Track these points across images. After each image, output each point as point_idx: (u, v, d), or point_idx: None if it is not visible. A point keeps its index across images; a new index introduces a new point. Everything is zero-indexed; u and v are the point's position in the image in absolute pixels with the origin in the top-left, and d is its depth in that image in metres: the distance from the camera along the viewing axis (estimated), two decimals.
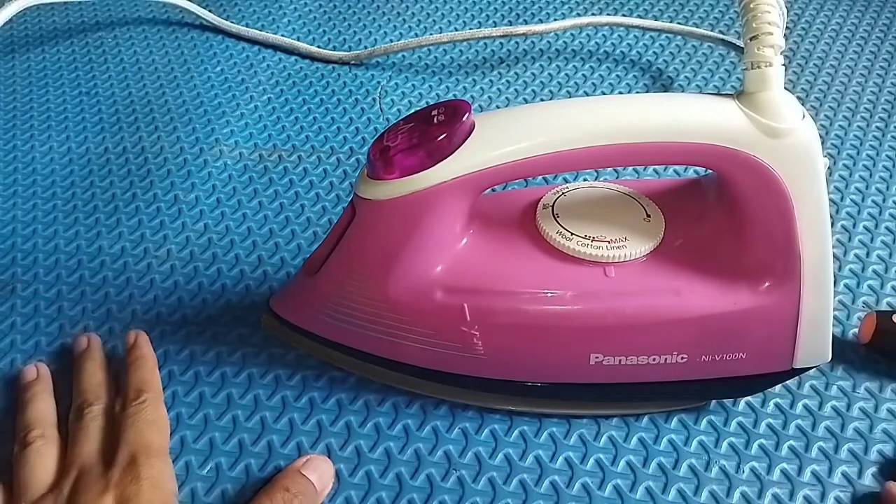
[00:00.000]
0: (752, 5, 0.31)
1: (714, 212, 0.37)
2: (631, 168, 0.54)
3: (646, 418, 0.40)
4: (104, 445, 0.36)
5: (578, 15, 0.71)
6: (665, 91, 0.62)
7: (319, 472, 0.37)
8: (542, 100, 0.61)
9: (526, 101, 0.61)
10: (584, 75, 0.64)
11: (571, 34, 0.68)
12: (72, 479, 0.35)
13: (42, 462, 0.36)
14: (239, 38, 0.68)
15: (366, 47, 0.67)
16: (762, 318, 0.35)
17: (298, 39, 0.67)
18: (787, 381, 0.41)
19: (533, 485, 0.37)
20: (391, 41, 0.67)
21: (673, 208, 0.38)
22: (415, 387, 0.40)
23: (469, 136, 0.34)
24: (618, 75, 0.64)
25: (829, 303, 0.35)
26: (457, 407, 0.40)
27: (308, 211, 0.52)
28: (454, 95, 0.62)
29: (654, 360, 0.36)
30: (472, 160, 0.33)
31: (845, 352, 0.43)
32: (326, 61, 0.66)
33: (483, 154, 0.33)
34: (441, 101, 0.37)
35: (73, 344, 0.43)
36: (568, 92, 0.62)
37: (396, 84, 0.63)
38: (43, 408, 0.39)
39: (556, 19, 0.70)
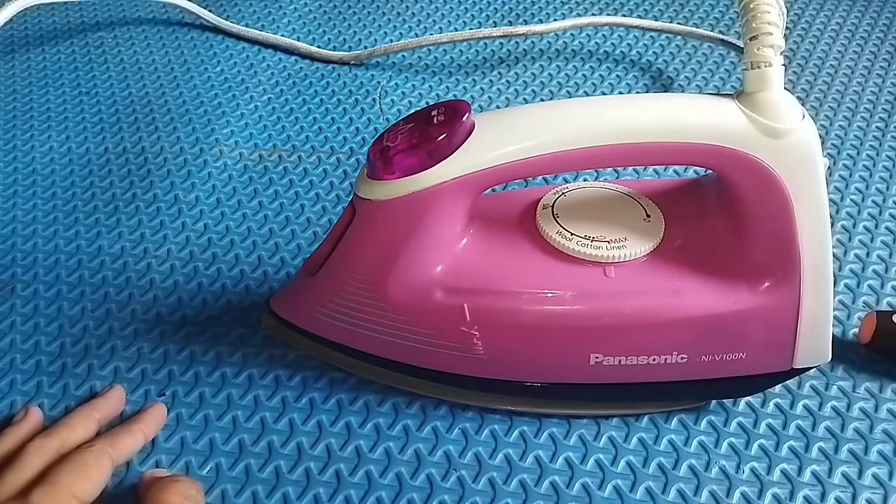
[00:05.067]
0: (752, 5, 0.31)
1: (714, 212, 0.37)
2: (631, 168, 0.54)
3: (646, 418, 0.40)
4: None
5: (578, 15, 0.71)
6: (665, 91, 0.62)
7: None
8: (542, 100, 0.61)
9: (526, 101, 0.61)
10: (584, 75, 0.64)
11: (571, 34, 0.68)
12: None
13: None
14: (239, 38, 0.68)
15: (366, 47, 0.67)
16: (762, 318, 0.35)
17: (298, 39, 0.67)
18: (787, 381, 0.41)
19: (533, 485, 0.37)
20: (391, 41, 0.67)
21: (673, 208, 0.38)
22: (415, 387, 0.40)
23: (469, 136, 0.34)
24: (618, 75, 0.64)
25: (829, 303, 0.35)
26: (457, 407, 0.40)
27: (308, 211, 0.52)
28: (454, 95, 0.62)
29: (654, 360, 0.36)
30: (472, 160, 0.33)
31: (845, 352, 0.43)
32: (326, 61, 0.66)
33: (483, 154, 0.33)
34: (441, 101, 0.37)
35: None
36: (568, 92, 0.62)
37: (396, 84, 0.63)
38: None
39: (556, 19, 0.70)
